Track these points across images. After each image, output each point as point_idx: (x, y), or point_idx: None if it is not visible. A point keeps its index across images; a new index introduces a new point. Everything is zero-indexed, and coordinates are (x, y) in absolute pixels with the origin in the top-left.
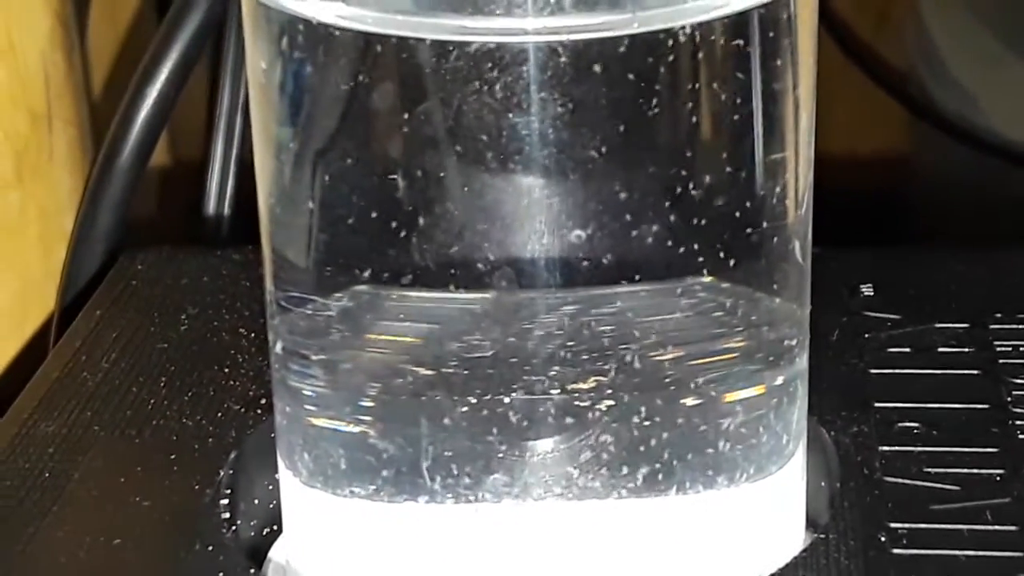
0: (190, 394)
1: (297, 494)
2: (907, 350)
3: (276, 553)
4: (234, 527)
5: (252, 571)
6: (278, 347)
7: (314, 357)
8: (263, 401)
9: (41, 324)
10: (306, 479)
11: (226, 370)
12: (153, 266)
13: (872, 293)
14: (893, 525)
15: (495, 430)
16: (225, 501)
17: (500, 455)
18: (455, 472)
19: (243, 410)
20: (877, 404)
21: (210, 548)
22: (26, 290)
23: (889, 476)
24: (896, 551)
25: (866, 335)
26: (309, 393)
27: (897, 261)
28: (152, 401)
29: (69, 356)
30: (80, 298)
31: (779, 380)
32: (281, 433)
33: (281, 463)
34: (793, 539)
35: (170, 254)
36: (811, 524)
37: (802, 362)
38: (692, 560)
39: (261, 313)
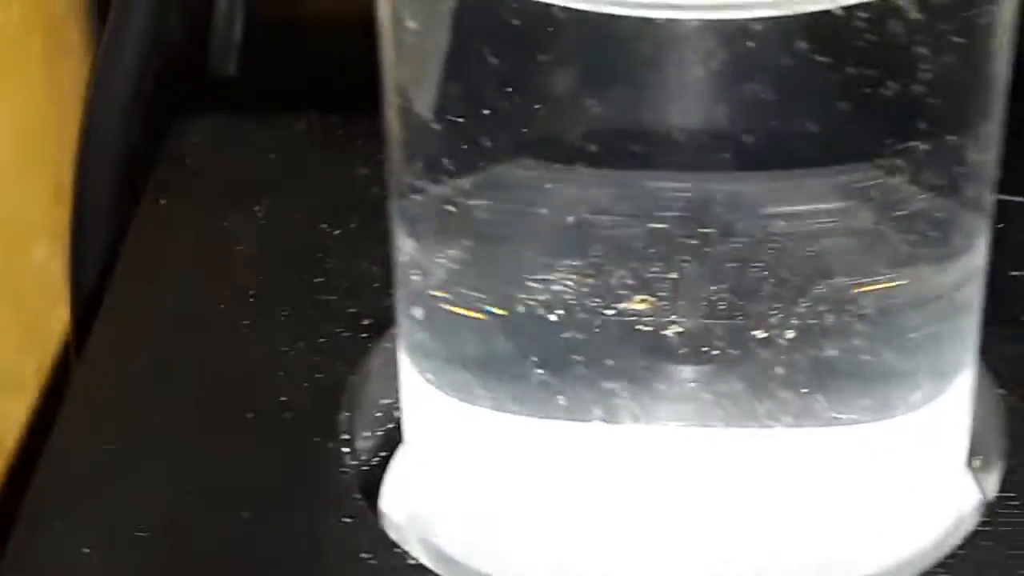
0: (283, 316)
1: (420, 399)
2: None
3: (393, 471)
4: (346, 456)
5: (361, 498)
6: (405, 237)
7: (448, 249)
8: (366, 321)
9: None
10: (432, 382)
11: (318, 281)
12: (211, 139)
13: None
14: None
15: (643, 348)
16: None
17: (646, 375)
18: (596, 386)
19: (347, 334)
20: None
21: (322, 478)
22: (27, 108)
23: None
24: None
25: None
26: (440, 288)
27: None
28: (245, 323)
29: (142, 260)
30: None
31: (953, 300)
32: (408, 333)
33: (406, 367)
34: (955, 472)
35: (227, 124)
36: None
37: (977, 285)
38: (855, 492)
39: (344, 197)
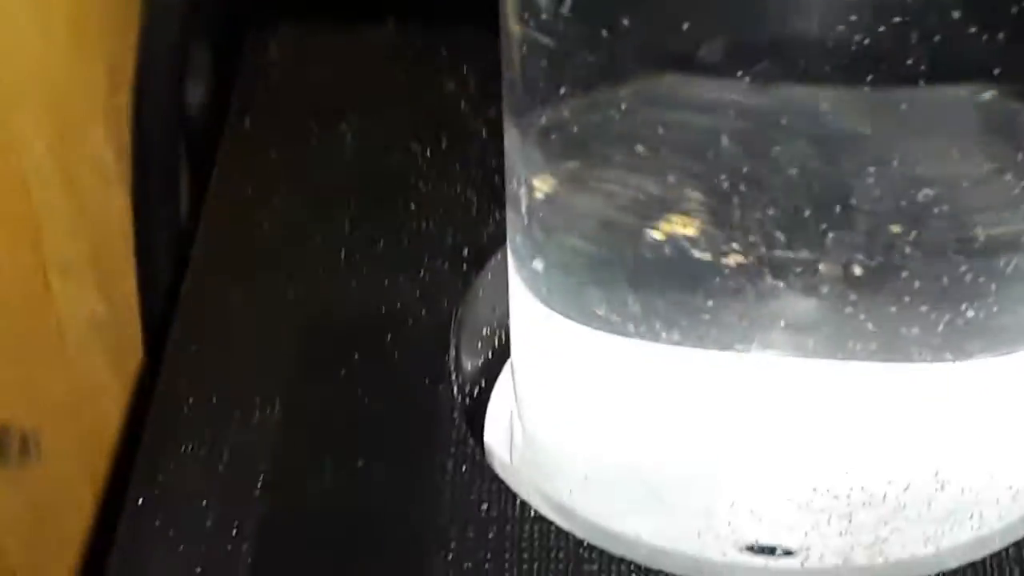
0: (381, 249)
1: (535, 324)
2: None
3: (498, 401)
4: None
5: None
6: (522, 162)
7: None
8: (465, 252)
9: None
10: (543, 300)
11: (413, 207)
12: (290, 52)
13: None
14: None
15: (754, 282)
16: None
17: (756, 308)
18: (699, 315)
19: (447, 266)
20: None
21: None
22: None
23: None
24: None
25: None
26: (551, 208)
27: None
28: (343, 256)
29: (233, 186)
30: None
31: None
32: (520, 249)
33: (517, 285)
34: None
35: (304, 35)
36: None
37: None
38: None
39: (432, 114)
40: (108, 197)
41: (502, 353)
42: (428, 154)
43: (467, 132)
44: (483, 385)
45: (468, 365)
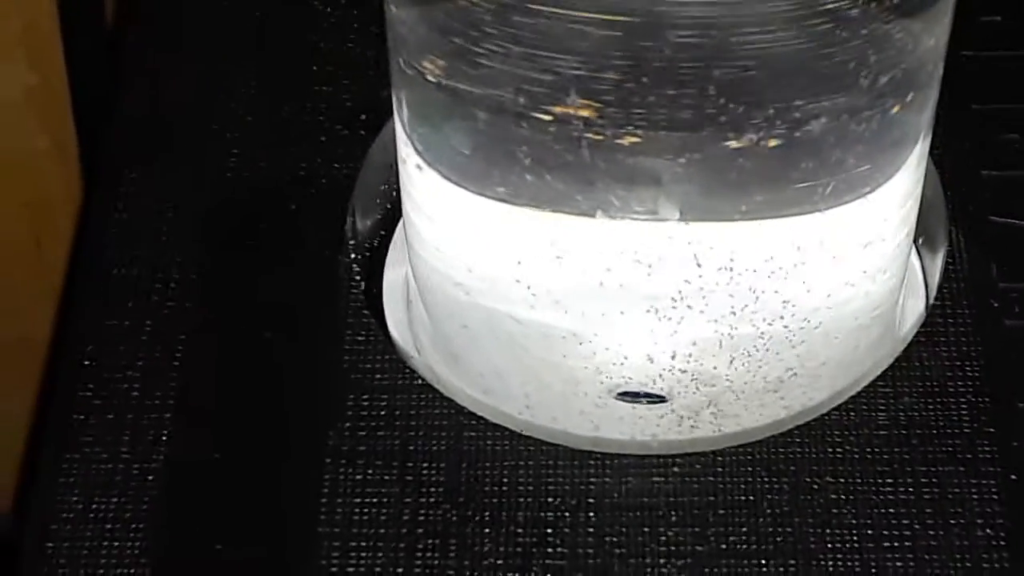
0: (285, 113)
1: (418, 185)
2: None
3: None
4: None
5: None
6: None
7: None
8: (363, 116)
9: None
10: (425, 161)
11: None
12: None
13: None
14: None
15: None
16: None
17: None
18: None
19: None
20: None
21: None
22: None
23: None
24: None
25: None
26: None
27: None
28: (248, 120)
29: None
30: None
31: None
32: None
33: (406, 155)
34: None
35: None
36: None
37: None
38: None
39: None
40: None
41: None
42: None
43: None
44: (381, 237)
45: (366, 224)
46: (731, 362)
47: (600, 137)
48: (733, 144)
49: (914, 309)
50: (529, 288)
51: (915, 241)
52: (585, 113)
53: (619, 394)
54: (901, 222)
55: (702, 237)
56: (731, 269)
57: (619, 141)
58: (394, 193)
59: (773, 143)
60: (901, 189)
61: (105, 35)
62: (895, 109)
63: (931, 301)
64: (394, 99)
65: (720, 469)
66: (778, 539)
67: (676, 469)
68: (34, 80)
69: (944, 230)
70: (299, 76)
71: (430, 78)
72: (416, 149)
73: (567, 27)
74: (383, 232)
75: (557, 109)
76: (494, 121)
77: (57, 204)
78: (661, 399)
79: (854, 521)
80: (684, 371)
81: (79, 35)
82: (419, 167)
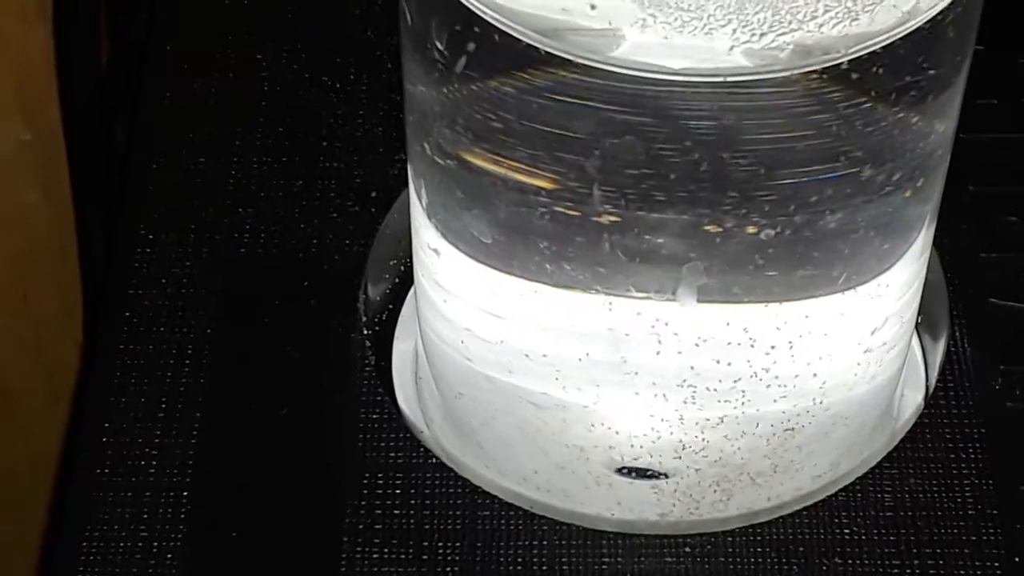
0: (296, 189)
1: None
2: None
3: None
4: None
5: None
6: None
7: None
8: (373, 194)
9: None
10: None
11: (324, 146)
12: None
13: None
14: None
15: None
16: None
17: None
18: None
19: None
20: None
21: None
22: None
23: None
24: None
25: None
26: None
27: None
28: (261, 195)
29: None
30: None
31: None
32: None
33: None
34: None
35: None
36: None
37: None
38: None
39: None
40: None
41: (407, 280)
42: (337, 87)
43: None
44: (390, 311)
45: (376, 294)
46: (737, 442)
47: (620, 225)
48: (750, 232)
49: (916, 390)
50: (545, 365)
51: (916, 324)
52: (608, 207)
53: (625, 471)
54: (907, 304)
55: (711, 318)
56: (739, 348)
57: (640, 232)
58: (402, 268)
59: (789, 232)
60: (908, 272)
61: (101, 86)
62: (906, 194)
63: (933, 383)
64: (411, 180)
65: (730, 550)
66: None
67: (688, 549)
68: (28, 135)
69: (946, 312)
70: (310, 152)
71: (451, 163)
72: (437, 231)
73: (589, 122)
74: (391, 306)
75: (580, 208)
76: (515, 212)
77: (45, 257)
78: (667, 476)
79: None
80: (690, 450)
81: (75, 88)
82: (436, 251)
